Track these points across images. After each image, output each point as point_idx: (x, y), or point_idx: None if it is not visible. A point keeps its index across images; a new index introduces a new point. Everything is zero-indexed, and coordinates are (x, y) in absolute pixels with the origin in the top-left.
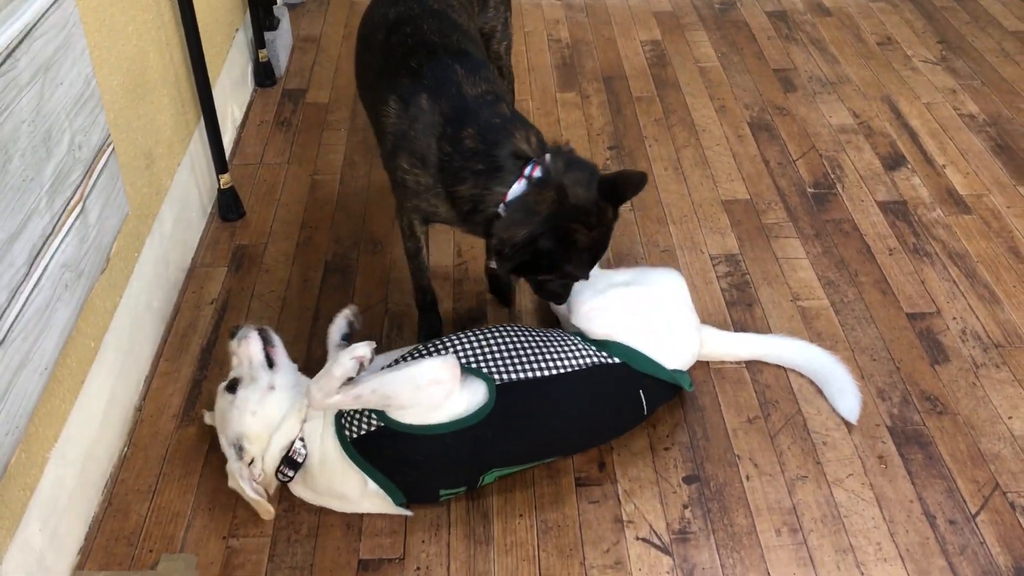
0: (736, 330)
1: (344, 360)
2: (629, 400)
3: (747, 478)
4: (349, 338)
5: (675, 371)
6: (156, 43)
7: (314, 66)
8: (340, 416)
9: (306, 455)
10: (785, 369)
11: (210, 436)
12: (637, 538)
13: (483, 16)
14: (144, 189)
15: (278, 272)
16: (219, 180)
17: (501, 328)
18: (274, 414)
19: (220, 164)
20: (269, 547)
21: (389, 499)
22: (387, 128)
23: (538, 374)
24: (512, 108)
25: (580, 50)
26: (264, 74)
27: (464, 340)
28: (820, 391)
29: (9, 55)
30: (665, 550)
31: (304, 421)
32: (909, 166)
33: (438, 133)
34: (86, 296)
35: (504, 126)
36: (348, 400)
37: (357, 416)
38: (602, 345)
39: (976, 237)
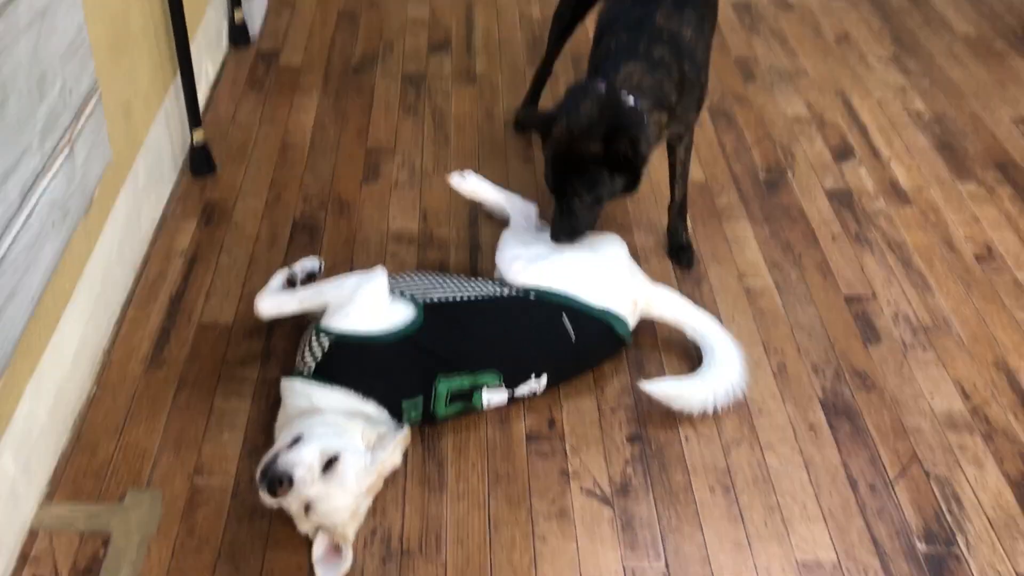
0: None
1: (281, 271)
2: (552, 325)
3: (686, 439)
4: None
5: (605, 311)
6: None
7: (288, 29)
8: (298, 372)
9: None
10: None
11: (177, 379)
12: (581, 490)
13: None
14: (121, 139)
15: (247, 228)
16: (192, 135)
17: (426, 272)
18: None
19: (194, 119)
20: (233, 485)
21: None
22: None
23: (458, 297)
24: (661, 48)
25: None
26: (239, 34)
27: (397, 278)
28: (756, 365)
29: (9, 1)
30: (607, 501)
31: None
32: (857, 158)
33: (610, 26)
34: (70, 235)
35: (633, 51)
36: (292, 302)
37: (310, 347)
38: (528, 291)
39: (914, 228)
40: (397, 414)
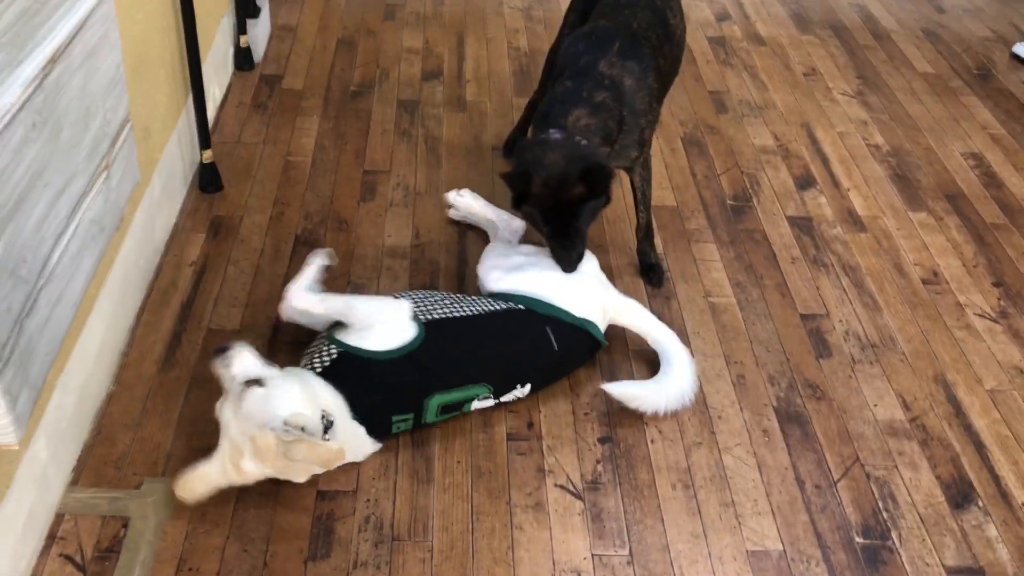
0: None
1: (311, 266)
2: (537, 335)
3: (652, 441)
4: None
5: (583, 319)
6: (158, 28)
7: (290, 55)
8: (305, 367)
9: (332, 421)
10: (693, 353)
11: (189, 380)
12: (556, 485)
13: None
14: (142, 159)
15: (252, 242)
16: (202, 155)
17: (427, 290)
18: (306, 391)
19: (204, 140)
20: None
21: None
22: (561, 45)
23: (455, 315)
24: (603, 94)
25: (536, 60)
26: (243, 59)
27: (399, 295)
28: (718, 375)
29: (68, 44)
30: (578, 496)
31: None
32: (818, 187)
33: (562, 69)
34: (105, 247)
35: (577, 98)
36: (319, 306)
37: (319, 352)
38: (509, 298)
39: (868, 253)
40: (387, 427)
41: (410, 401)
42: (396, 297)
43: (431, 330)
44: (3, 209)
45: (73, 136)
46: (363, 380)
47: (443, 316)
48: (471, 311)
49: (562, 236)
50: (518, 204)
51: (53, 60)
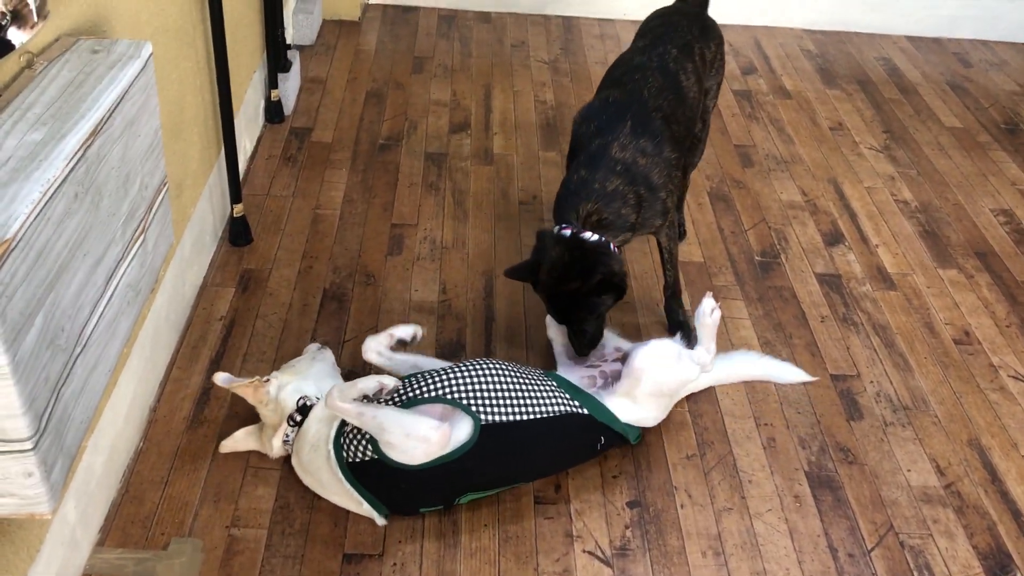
0: None
1: (371, 379)
2: (589, 443)
3: (681, 506)
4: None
5: (627, 424)
6: (192, 87)
7: (319, 107)
8: (341, 434)
9: (310, 408)
10: (722, 414)
11: (216, 437)
12: (584, 551)
13: (708, 77)
14: (174, 217)
15: (280, 296)
16: (232, 209)
17: (493, 366)
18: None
19: (235, 195)
20: (266, 538)
21: (363, 501)
22: (573, 127)
23: (517, 418)
24: (615, 181)
25: (563, 113)
26: (274, 112)
27: (463, 375)
28: (747, 437)
29: (110, 116)
30: (607, 563)
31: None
32: (846, 243)
33: (574, 155)
34: (140, 311)
35: (589, 190)
36: (352, 412)
37: (355, 443)
38: (573, 391)
39: (898, 311)
40: (413, 512)
41: (443, 497)
42: (451, 390)
43: (486, 434)
44: (45, 281)
45: (112, 204)
46: (394, 481)
47: (503, 419)
48: (533, 412)
49: (569, 323)
50: (535, 287)
51: (95, 132)
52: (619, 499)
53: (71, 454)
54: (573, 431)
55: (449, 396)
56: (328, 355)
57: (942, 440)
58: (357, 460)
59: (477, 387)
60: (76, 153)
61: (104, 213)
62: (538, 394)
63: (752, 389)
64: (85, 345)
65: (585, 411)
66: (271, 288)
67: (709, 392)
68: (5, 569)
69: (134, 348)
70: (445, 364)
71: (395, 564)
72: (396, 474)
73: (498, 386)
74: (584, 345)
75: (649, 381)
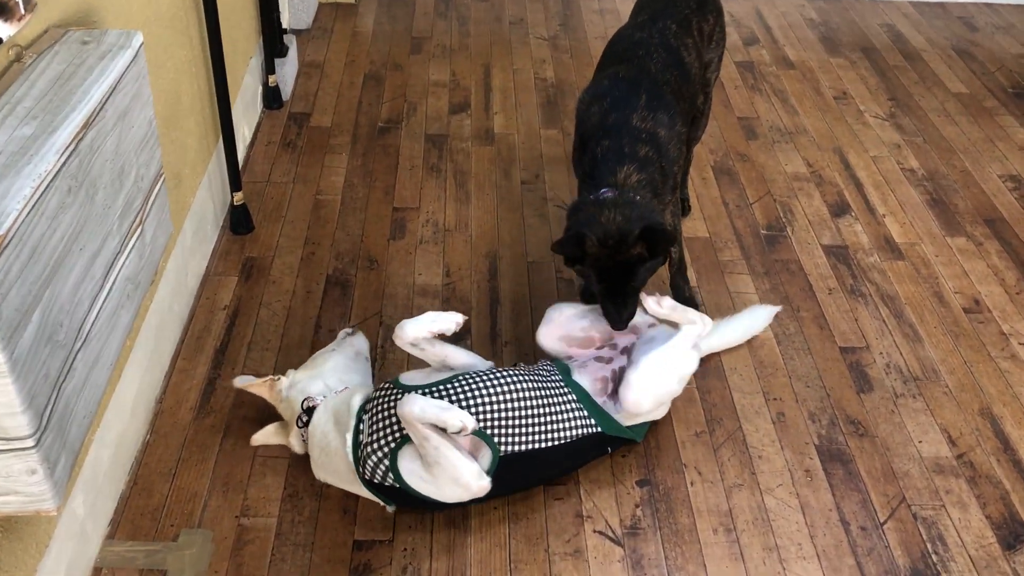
0: None
1: (456, 416)
2: (599, 454)
3: (691, 484)
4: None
5: (635, 426)
6: (188, 75)
7: (318, 92)
8: (358, 446)
9: (313, 408)
10: (730, 390)
11: (224, 427)
12: (594, 531)
13: (708, 51)
14: (173, 207)
15: (284, 283)
16: (233, 197)
17: (517, 383)
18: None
19: (235, 183)
20: (276, 526)
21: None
22: (578, 109)
23: (536, 446)
24: (644, 148)
25: (563, 90)
26: (272, 97)
27: (486, 396)
28: (757, 413)
29: (101, 108)
30: (618, 542)
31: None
32: (853, 214)
33: (593, 133)
34: (140, 303)
35: (620, 154)
36: (420, 433)
37: (374, 465)
38: (587, 404)
39: (906, 281)
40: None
41: (450, 507)
42: (476, 415)
43: (504, 465)
44: (41, 277)
45: (108, 197)
46: (408, 499)
47: (522, 449)
48: (552, 438)
49: (617, 295)
50: (571, 264)
51: (87, 125)
52: (629, 478)
53: (75, 450)
54: (586, 448)
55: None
56: (355, 342)
57: (953, 410)
58: (375, 481)
59: (500, 412)
60: (68, 146)
61: (99, 206)
62: (557, 415)
63: (760, 364)
64: (85, 340)
65: (599, 428)
66: (274, 276)
67: (717, 368)
68: (14, 565)
69: (138, 340)
70: (472, 360)
71: (405, 549)
72: (414, 496)
73: (520, 411)
74: (623, 317)
75: (647, 403)
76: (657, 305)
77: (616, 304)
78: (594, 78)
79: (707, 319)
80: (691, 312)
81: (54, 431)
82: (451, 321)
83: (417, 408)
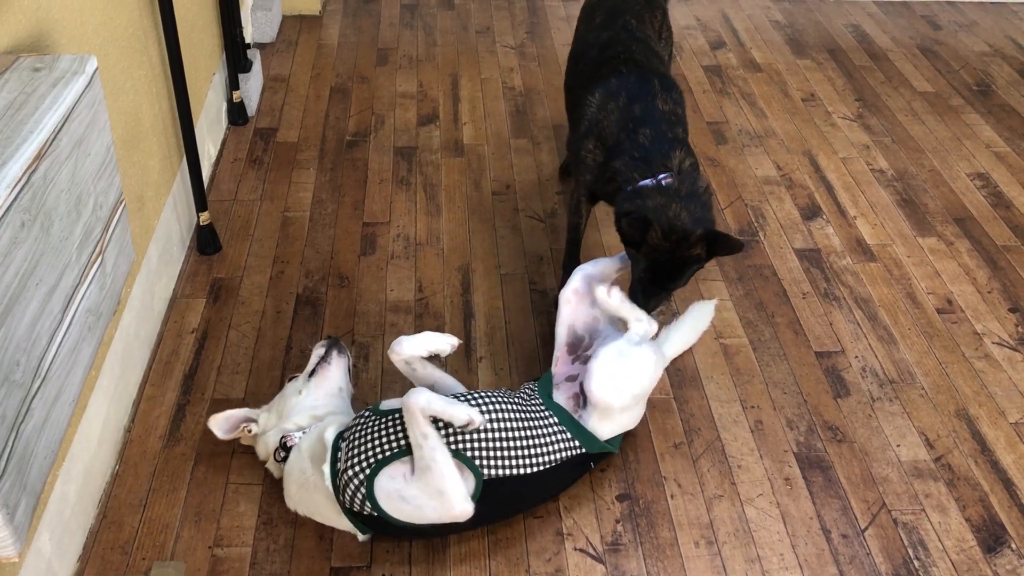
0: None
1: (463, 411)
2: (581, 473)
3: (672, 496)
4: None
5: (610, 440)
6: (148, 96)
7: (284, 106)
8: (336, 475)
9: (291, 447)
10: (708, 399)
11: (194, 455)
12: (575, 549)
13: (659, 46)
14: (136, 230)
15: (253, 304)
16: (199, 217)
17: (502, 407)
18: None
19: (200, 203)
20: (250, 556)
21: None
22: (586, 115)
23: (520, 471)
24: (685, 131)
25: (532, 99)
26: (237, 113)
27: (480, 400)
28: (735, 422)
29: (55, 137)
30: (599, 559)
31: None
32: (824, 216)
33: (623, 126)
34: (103, 335)
35: (665, 138)
36: (419, 429)
37: (351, 493)
38: (568, 424)
39: (879, 283)
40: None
41: (429, 533)
42: (460, 440)
43: (487, 489)
44: None
45: (64, 228)
46: (386, 526)
47: (505, 474)
48: (536, 463)
49: (658, 289)
50: (627, 244)
51: (40, 156)
52: (608, 493)
53: (36, 492)
54: (569, 469)
55: (455, 448)
56: (328, 373)
57: (930, 412)
58: (354, 509)
59: (484, 437)
60: (20, 180)
61: (56, 238)
62: (542, 439)
63: (737, 371)
64: (44, 378)
65: (582, 449)
66: (243, 296)
67: (694, 377)
68: None
69: (103, 368)
70: (458, 389)
71: (384, 575)
72: (395, 526)
73: (504, 434)
74: (656, 305)
75: (611, 393)
76: (607, 295)
77: (650, 296)
78: (594, 80)
79: (653, 321)
80: (638, 310)
81: (12, 475)
82: (446, 343)
83: (423, 399)
